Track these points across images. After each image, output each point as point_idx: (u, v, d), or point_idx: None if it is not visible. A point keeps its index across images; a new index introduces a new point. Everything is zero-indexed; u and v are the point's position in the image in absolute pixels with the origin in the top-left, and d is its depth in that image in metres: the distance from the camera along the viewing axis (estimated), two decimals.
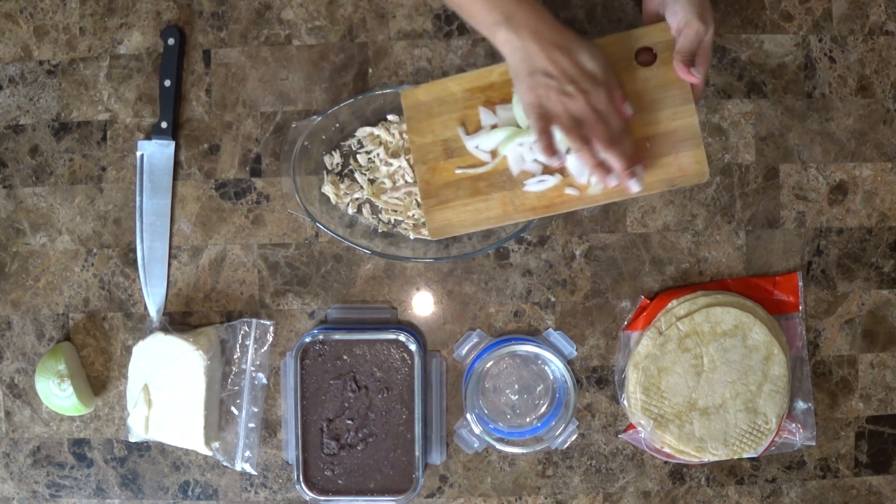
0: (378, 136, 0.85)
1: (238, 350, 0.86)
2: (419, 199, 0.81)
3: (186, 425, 0.82)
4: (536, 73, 0.64)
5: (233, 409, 0.86)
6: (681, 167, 0.69)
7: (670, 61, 0.69)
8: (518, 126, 0.74)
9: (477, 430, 0.83)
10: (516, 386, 0.85)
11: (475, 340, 0.86)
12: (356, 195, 0.86)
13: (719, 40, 0.86)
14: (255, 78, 0.87)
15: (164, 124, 0.86)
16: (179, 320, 0.88)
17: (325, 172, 0.86)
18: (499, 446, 0.83)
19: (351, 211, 0.86)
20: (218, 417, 0.86)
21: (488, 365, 0.84)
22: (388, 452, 0.84)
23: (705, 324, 0.82)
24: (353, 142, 0.86)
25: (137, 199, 0.87)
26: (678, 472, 0.87)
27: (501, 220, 0.75)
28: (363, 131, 0.85)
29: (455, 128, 0.75)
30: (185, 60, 0.87)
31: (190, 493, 0.88)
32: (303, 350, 0.83)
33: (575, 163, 0.71)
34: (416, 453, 0.83)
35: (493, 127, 0.75)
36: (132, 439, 0.85)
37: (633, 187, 0.67)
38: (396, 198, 0.85)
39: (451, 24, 0.87)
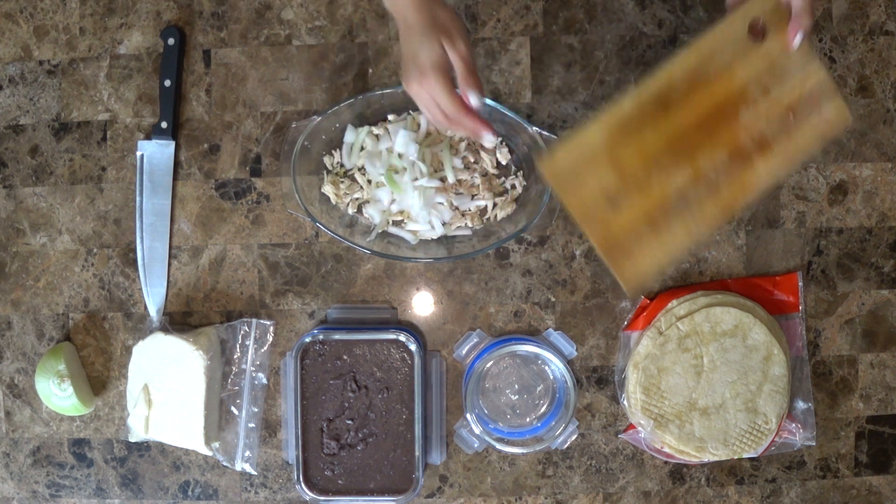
0: (377, 135, 0.85)
1: (238, 350, 0.86)
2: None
3: (186, 425, 0.82)
4: (404, 54, 0.68)
5: (233, 409, 0.86)
6: (827, 120, 0.70)
7: (781, 28, 0.68)
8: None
9: (477, 430, 0.83)
10: (516, 386, 0.85)
11: (475, 340, 0.86)
12: (356, 195, 0.86)
13: None
14: (255, 78, 0.87)
15: (164, 124, 0.86)
16: (179, 320, 0.88)
17: (325, 172, 0.86)
18: (499, 446, 0.83)
19: (351, 211, 0.86)
20: (218, 417, 0.86)
21: (488, 365, 0.84)
22: (388, 452, 0.84)
23: (705, 324, 0.82)
24: None
25: (137, 199, 0.87)
26: (678, 472, 0.87)
27: (690, 239, 0.71)
28: (363, 131, 0.85)
29: (609, 175, 0.70)
30: (185, 60, 0.87)
31: (190, 493, 0.88)
32: (303, 350, 0.83)
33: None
34: (416, 453, 0.83)
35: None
36: (132, 439, 0.85)
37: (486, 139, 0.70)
38: None
39: None
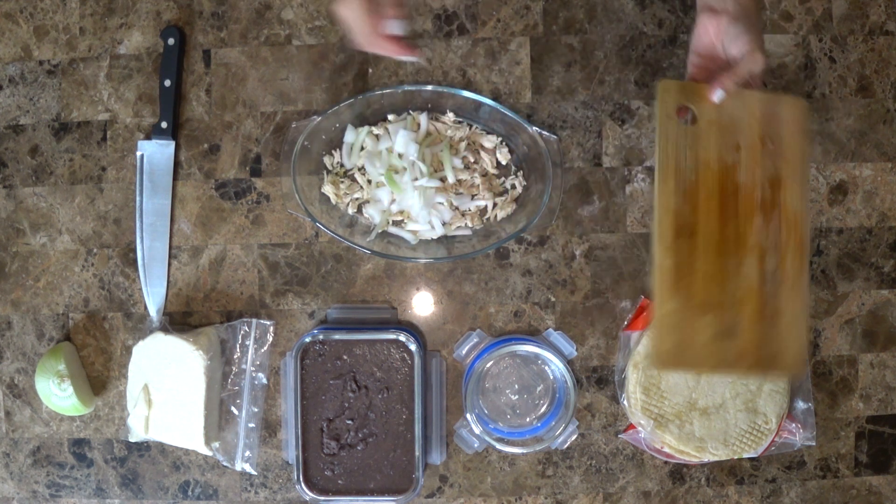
0: (377, 135, 0.85)
1: (238, 350, 0.86)
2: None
3: (186, 425, 0.82)
4: None
5: (233, 409, 0.86)
6: (792, 120, 0.71)
7: (700, 100, 0.69)
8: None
9: (477, 430, 0.83)
10: (516, 386, 0.85)
11: (475, 340, 0.86)
12: (356, 195, 0.86)
13: None
14: (255, 78, 0.87)
15: (164, 124, 0.86)
16: (179, 320, 0.88)
17: (325, 172, 0.86)
18: (499, 446, 0.83)
19: (351, 211, 0.86)
20: (218, 417, 0.86)
21: (488, 365, 0.84)
22: (388, 452, 0.84)
23: None
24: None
25: (137, 199, 0.87)
26: (678, 472, 0.87)
27: (802, 296, 0.72)
28: (363, 131, 0.85)
29: (705, 319, 0.69)
30: (185, 60, 0.87)
31: (190, 493, 0.88)
32: (303, 350, 0.83)
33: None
34: (416, 453, 0.83)
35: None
36: (132, 439, 0.85)
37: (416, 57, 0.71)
38: None
39: (451, 24, 0.87)
